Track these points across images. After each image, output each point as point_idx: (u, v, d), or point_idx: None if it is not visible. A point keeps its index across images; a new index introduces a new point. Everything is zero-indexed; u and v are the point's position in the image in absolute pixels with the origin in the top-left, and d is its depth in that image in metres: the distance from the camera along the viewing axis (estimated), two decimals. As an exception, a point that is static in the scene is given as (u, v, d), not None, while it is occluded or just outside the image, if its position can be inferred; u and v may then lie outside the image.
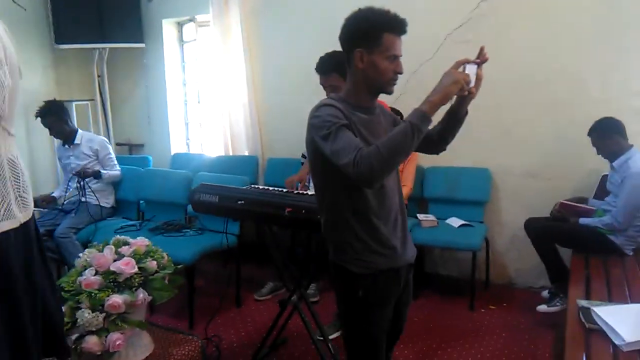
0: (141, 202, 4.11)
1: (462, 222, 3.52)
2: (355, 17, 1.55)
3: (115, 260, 2.18)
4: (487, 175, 3.67)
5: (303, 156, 4.09)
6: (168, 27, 5.09)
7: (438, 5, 3.74)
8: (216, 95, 4.64)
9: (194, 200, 2.52)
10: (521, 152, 3.61)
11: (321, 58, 2.55)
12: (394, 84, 1.58)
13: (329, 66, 2.50)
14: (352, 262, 1.58)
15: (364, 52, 1.52)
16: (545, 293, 3.31)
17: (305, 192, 2.54)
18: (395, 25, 1.51)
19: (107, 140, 4.13)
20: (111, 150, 4.03)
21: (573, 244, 3.08)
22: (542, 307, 3.09)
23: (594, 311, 2.06)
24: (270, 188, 2.67)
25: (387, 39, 1.51)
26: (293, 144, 4.40)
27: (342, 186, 1.55)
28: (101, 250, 2.23)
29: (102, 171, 3.87)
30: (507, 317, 3.25)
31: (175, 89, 5.22)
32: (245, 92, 4.47)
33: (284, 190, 2.62)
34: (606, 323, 1.97)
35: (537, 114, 3.54)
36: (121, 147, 5.41)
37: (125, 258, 2.17)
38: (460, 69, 1.49)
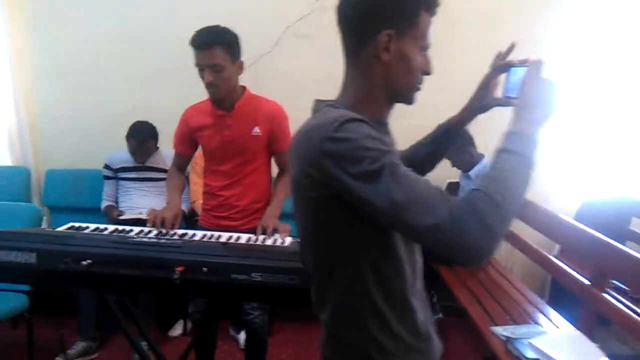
0: None
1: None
2: None
3: None
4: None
5: (107, 167, 3.08)
6: None
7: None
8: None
9: (-17, 263, 1.47)
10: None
11: (199, 31, 1.79)
12: (418, 90, 1.05)
13: (213, 38, 1.77)
14: None
15: (393, 36, 0.95)
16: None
17: (182, 236, 1.76)
18: (433, 2, 0.98)
19: None
20: None
21: (436, 256, 3.00)
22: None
23: (530, 344, 1.91)
24: (119, 228, 1.80)
25: (424, 21, 0.97)
26: (85, 149, 3.34)
27: (370, 254, 0.95)
28: None
29: None
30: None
31: None
32: (8, 76, 3.15)
33: (148, 231, 1.79)
34: (548, 357, 1.83)
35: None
36: None
37: None
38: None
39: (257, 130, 1.96)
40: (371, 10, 0.95)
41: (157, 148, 3.07)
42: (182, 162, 2.16)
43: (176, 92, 3.27)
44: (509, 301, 2.49)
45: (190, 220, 3.15)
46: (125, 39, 3.25)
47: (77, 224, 1.83)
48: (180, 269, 1.42)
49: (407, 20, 0.95)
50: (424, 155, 1.27)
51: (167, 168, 3.07)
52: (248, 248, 1.62)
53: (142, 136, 2.92)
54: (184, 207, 3.10)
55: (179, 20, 3.19)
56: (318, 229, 0.98)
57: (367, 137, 0.87)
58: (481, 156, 2.99)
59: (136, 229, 1.80)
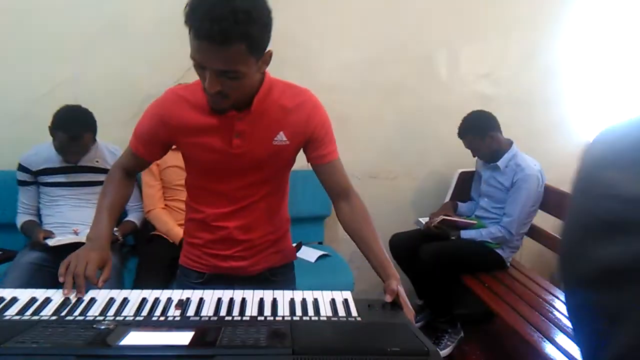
0: None
1: (319, 252, 2.50)
2: None
3: None
4: (324, 180, 2.72)
5: (23, 169, 2.25)
6: None
7: None
8: None
9: None
10: (361, 147, 2.80)
11: (212, 2, 1.02)
12: None
13: (234, 28, 0.97)
14: None
15: None
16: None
17: (184, 308, 1.08)
18: None
19: None
20: None
21: (460, 264, 2.48)
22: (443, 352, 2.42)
23: None
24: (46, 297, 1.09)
25: None
26: None
27: None
28: None
29: None
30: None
31: None
32: None
33: (109, 301, 1.10)
34: None
35: (378, 101, 2.80)
36: None
37: None
38: None
39: (282, 136, 1.25)
40: None
41: (95, 141, 2.26)
42: (135, 165, 1.36)
43: (118, 59, 2.48)
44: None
45: (142, 236, 2.40)
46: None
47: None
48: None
49: None
50: None
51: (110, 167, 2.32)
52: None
53: (74, 128, 2.10)
54: (135, 218, 2.35)
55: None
56: None
57: None
58: (510, 142, 2.49)
59: (86, 298, 1.09)
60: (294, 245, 1.48)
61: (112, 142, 2.35)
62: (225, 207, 1.32)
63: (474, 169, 2.74)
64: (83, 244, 1.72)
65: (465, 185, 2.76)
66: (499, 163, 2.46)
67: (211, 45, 1.00)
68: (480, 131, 2.43)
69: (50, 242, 2.04)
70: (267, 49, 1.11)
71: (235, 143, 1.22)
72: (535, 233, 2.58)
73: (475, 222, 2.52)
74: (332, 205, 1.34)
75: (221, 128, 1.21)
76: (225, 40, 0.99)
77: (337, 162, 1.32)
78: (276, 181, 1.34)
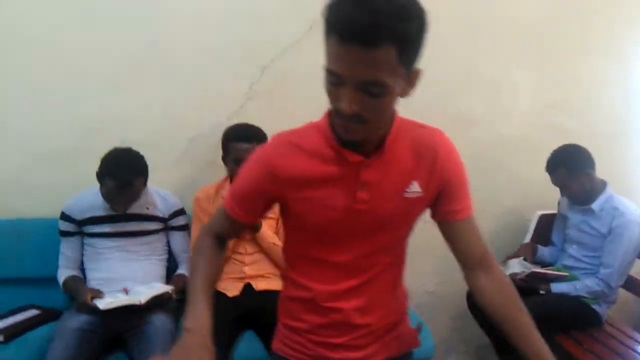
0: None
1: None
2: None
3: None
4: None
5: (66, 218, 2.04)
6: None
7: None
8: None
9: None
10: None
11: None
12: None
13: (383, 25, 0.76)
14: None
15: None
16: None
17: None
18: None
19: None
20: None
21: (551, 321, 2.18)
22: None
23: None
24: None
25: None
26: (27, 188, 2.27)
27: None
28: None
29: None
30: None
31: None
32: None
33: None
34: None
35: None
36: None
37: None
38: None
39: (415, 187, 1.01)
40: None
41: (145, 186, 2.05)
42: (230, 231, 1.12)
43: (166, 94, 2.29)
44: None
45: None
46: (88, 14, 2.19)
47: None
48: None
49: None
50: None
51: (162, 215, 2.09)
52: None
53: (125, 175, 1.87)
54: (186, 270, 2.11)
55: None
56: None
57: None
58: (604, 183, 2.22)
59: None
60: (415, 328, 1.22)
61: (160, 184, 2.15)
62: (341, 282, 1.06)
63: (555, 211, 2.46)
64: (138, 306, 1.55)
65: (546, 229, 2.48)
66: (592, 206, 2.18)
67: (355, 48, 0.77)
68: (575, 167, 2.16)
69: (101, 305, 1.79)
70: (415, 69, 0.87)
71: (359, 196, 0.98)
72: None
73: (567, 274, 2.23)
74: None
75: (344, 178, 0.97)
76: (374, 40, 0.76)
77: (472, 220, 1.07)
78: (401, 246, 1.10)
